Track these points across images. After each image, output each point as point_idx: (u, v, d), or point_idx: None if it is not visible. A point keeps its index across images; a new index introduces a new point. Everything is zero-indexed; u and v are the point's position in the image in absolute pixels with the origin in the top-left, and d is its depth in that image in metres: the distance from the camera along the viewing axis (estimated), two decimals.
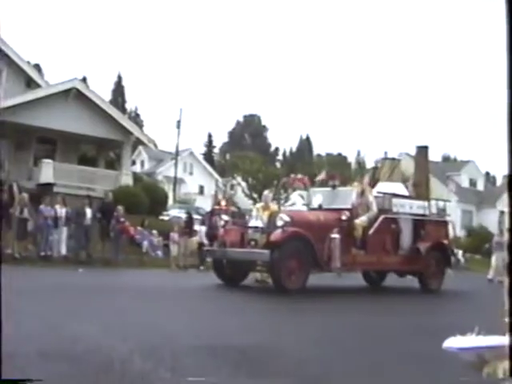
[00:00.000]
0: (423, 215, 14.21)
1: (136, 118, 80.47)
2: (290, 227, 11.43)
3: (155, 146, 36.06)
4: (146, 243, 21.01)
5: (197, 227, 21.72)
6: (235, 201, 39.84)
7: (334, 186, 13.64)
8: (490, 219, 46.99)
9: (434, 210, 14.69)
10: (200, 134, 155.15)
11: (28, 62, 30.23)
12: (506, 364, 2.70)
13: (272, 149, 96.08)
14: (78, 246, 17.76)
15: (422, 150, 16.04)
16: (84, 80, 47.18)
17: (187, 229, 20.42)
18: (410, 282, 14.56)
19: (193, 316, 8.29)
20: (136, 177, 31.01)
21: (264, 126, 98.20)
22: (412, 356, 5.84)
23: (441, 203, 15.30)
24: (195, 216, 24.56)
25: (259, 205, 13.81)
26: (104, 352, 5.08)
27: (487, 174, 74.63)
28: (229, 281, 12.57)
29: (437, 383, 4.89)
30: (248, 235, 12.07)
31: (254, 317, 8.52)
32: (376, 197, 13.30)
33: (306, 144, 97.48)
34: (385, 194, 13.65)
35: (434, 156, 62.48)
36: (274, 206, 13.52)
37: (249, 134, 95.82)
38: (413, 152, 18.91)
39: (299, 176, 14.92)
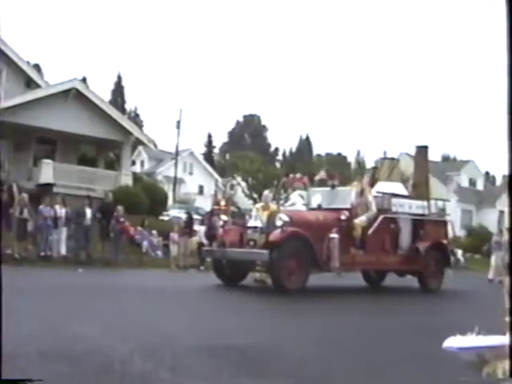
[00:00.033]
0: (422, 215, 14.22)
1: (136, 118, 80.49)
2: (289, 227, 11.44)
3: (155, 146, 36.07)
4: (145, 243, 21.02)
5: (196, 227, 21.74)
6: (235, 201, 39.81)
7: (333, 186, 13.65)
8: (489, 219, 47.01)
9: (433, 210, 14.70)
10: (200, 134, 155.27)
11: (28, 62, 30.25)
12: (505, 364, 2.71)
13: (272, 149, 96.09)
14: (78, 246, 17.76)
15: (422, 150, 16.06)
16: (84, 80, 47.18)
17: (187, 229, 20.42)
18: (409, 282, 14.58)
19: (192, 316, 8.29)
20: (136, 177, 31.00)
21: (264, 126, 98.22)
22: (412, 356, 5.85)
23: (440, 203, 15.31)
24: (195, 216, 24.58)
25: (259, 205, 13.81)
26: (104, 352, 5.09)
27: (487, 173, 74.63)
28: (228, 281, 12.58)
29: (437, 383, 4.89)
30: (247, 235, 12.08)
31: (253, 317, 8.53)
32: (375, 197, 13.32)
33: (305, 144, 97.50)
34: (384, 193, 13.66)
35: (434, 156, 62.63)
36: (273, 206, 13.53)
37: (249, 134, 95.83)
38: (412, 152, 18.93)
39: (298, 176, 14.92)
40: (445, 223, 15.09)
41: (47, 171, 24.62)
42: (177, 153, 49.56)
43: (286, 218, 11.48)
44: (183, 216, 23.61)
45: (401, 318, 9.01)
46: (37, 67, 50.17)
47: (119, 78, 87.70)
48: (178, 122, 48.94)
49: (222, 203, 23.91)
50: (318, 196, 13.50)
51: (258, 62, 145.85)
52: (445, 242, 14.58)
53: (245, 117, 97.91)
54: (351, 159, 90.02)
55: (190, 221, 21.31)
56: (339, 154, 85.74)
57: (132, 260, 18.89)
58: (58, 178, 24.40)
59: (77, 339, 5.59)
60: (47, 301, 8.73)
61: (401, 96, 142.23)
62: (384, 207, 13.36)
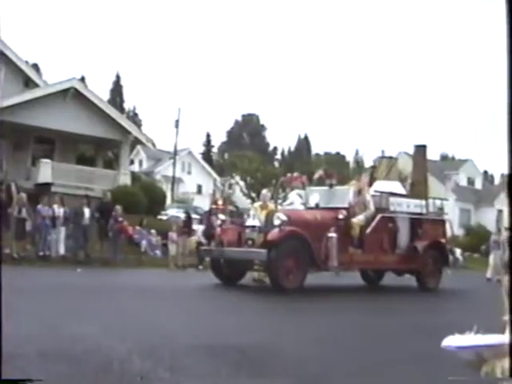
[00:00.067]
0: (421, 214, 14.23)
1: (134, 118, 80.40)
2: (287, 226, 11.44)
3: (153, 145, 35.98)
4: (144, 243, 21.02)
5: (195, 226, 21.74)
6: (233, 200, 39.81)
7: (331, 185, 13.65)
8: (488, 218, 47.06)
9: (431, 209, 14.72)
10: (198, 133, 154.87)
11: (26, 62, 30.25)
12: (504, 363, 2.71)
13: (270, 148, 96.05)
14: (77, 245, 17.76)
15: (420, 149, 16.07)
16: (82, 80, 47.25)
17: (186, 228, 20.43)
18: (407, 281, 14.59)
19: (191, 315, 8.30)
20: (134, 176, 30.99)
21: (262, 126, 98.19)
22: (410, 355, 5.87)
23: (438, 202, 15.32)
24: (194, 215, 24.57)
25: (257, 204, 13.82)
26: (103, 352, 5.10)
27: (485, 172, 74.74)
28: (226, 280, 12.58)
29: (435, 382, 4.90)
30: (245, 234, 12.09)
31: (251, 316, 8.53)
32: (373, 196, 13.33)
33: (304, 143, 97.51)
34: (382, 192, 13.67)
35: (432, 155, 62.54)
36: (271, 206, 13.53)
37: (247, 134, 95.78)
38: (411, 151, 18.94)
39: (296, 175, 14.94)
40: (443, 222, 15.11)
41: (45, 171, 24.61)
42: (175, 152, 49.52)
43: (284, 218, 11.48)
44: (182, 215, 23.62)
45: (399, 317, 9.02)
46: (35, 67, 50.09)
47: (118, 77, 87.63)
48: (177, 122, 48.92)
49: (220, 202, 23.88)
50: (315, 195, 13.50)
51: (256, 62, 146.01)
52: (443, 241, 14.59)
53: (243, 116, 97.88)
54: (350, 158, 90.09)
55: (188, 220, 21.32)
56: (338, 154, 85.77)
57: (131, 259, 18.88)
58: (56, 177, 24.39)
59: (76, 339, 5.60)
60: (46, 301, 8.74)
61: (399, 95, 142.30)
62: (382, 206, 13.37)
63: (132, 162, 49.15)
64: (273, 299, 10.89)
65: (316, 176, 14.75)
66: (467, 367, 2.86)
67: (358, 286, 14.52)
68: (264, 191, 14.71)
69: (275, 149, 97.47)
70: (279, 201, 22.80)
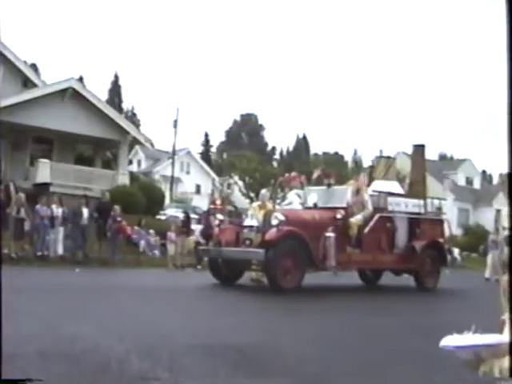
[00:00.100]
0: (419, 214, 14.23)
1: (133, 118, 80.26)
2: (285, 226, 11.45)
3: (152, 145, 35.94)
4: (142, 243, 21.04)
5: (194, 226, 21.75)
6: (232, 200, 39.85)
7: (329, 185, 13.67)
8: (486, 218, 47.12)
9: (430, 209, 14.73)
10: (197, 133, 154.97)
11: (25, 62, 30.25)
12: (502, 362, 2.73)
13: (269, 148, 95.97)
14: (75, 245, 17.77)
15: (419, 149, 16.07)
16: (81, 79, 47.20)
17: (184, 228, 20.45)
18: (405, 281, 14.61)
19: (189, 315, 8.31)
20: (133, 176, 31.02)
21: (261, 125, 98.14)
22: (409, 355, 5.88)
23: (436, 202, 15.33)
24: (192, 215, 24.58)
25: (256, 204, 13.82)
26: (102, 352, 5.11)
27: (484, 172, 74.79)
28: (224, 280, 12.58)
29: (434, 382, 4.91)
30: (243, 234, 12.09)
31: (249, 316, 8.54)
32: (371, 195, 13.33)
33: (302, 143, 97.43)
34: (380, 192, 13.68)
35: (431, 154, 62.66)
36: (270, 205, 13.54)
37: (246, 133, 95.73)
38: (409, 150, 18.95)
39: (293, 174, 14.95)
40: (441, 222, 15.12)
41: (44, 171, 24.61)
42: (174, 152, 49.50)
43: (282, 217, 11.47)
44: (180, 215, 23.62)
45: (397, 317, 9.01)
46: (34, 67, 50.05)
47: (116, 77, 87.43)
48: (175, 121, 48.88)
49: (218, 202, 23.88)
50: (313, 195, 13.51)
51: (255, 62, 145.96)
52: (441, 240, 14.60)
53: (242, 116, 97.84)
54: (348, 158, 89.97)
55: (187, 220, 21.34)
56: (336, 153, 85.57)
57: (129, 259, 18.90)
58: (54, 177, 24.39)
59: (75, 339, 5.60)
60: (44, 301, 8.74)
61: (398, 95, 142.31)
62: (380, 206, 13.37)
63: (130, 162, 49.10)
64: (271, 299, 10.88)
65: (314, 176, 14.77)
66: (465, 367, 2.87)
67: (356, 285, 14.54)
68: (263, 191, 14.71)
69: (274, 149, 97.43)
70: (278, 201, 22.78)
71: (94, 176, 26.07)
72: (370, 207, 12.94)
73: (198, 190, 60.02)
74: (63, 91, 25.25)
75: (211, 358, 5.17)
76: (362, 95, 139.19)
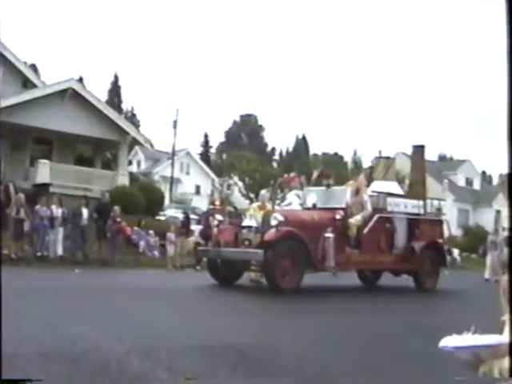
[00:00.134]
0: (418, 214, 14.24)
1: (132, 118, 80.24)
2: (284, 227, 11.44)
3: (151, 145, 35.89)
4: (142, 243, 21.03)
5: (193, 227, 21.74)
6: (232, 201, 39.79)
7: (328, 186, 13.68)
8: (486, 218, 47.13)
9: (429, 209, 14.74)
10: (196, 133, 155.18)
11: (24, 63, 30.25)
12: (502, 363, 2.73)
13: (269, 148, 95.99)
14: (75, 246, 17.77)
15: (419, 150, 16.07)
16: (80, 80, 47.18)
17: (184, 229, 20.44)
18: (405, 282, 14.61)
19: (189, 316, 8.32)
20: (132, 177, 31.01)
21: (261, 126, 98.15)
22: (408, 355, 5.89)
23: (436, 202, 15.33)
24: (192, 216, 24.57)
25: (255, 204, 13.82)
26: (101, 352, 5.12)
27: (483, 173, 74.79)
28: (223, 281, 12.56)
29: (433, 382, 4.92)
30: (242, 235, 12.06)
31: (248, 317, 8.55)
32: (371, 196, 13.34)
33: (302, 143, 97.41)
34: (379, 193, 13.68)
35: (431, 155, 62.61)
36: (269, 206, 13.54)
37: (245, 134, 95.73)
38: (409, 151, 18.96)
39: (292, 175, 14.96)
40: (440, 222, 15.11)
41: (44, 171, 24.61)
42: (173, 153, 49.48)
43: (281, 218, 11.47)
44: (180, 216, 23.61)
45: (397, 318, 9.02)
46: (33, 67, 50.07)
47: (116, 77, 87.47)
48: (175, 122, 48.87)
49: (217, 203, 23.86)
50: (312, 195, 13.51)
51: (254, 62, 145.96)
52: (440, 241, 14.61)
53: (241, 116, 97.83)
54: (348, 159, 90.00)
55: (186, 221, 21.34)
56: (336, 154, 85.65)
57: (129, 260, 18.90)
58: (54, 177, 24.39)
59: (74, 339, 5.61)
60: (44, 301, 8.75)
61: (398, 95, 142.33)
62: (379, 206, 13.37)
63: (130, 163, 49.07)
64: (269, 300, 10.87)
65: (313, 176, 14.78)
66: (465, 367, 2.88)
67: (355, 286, 14.54)
68: (263, 192, 14.71)
69: (273, 149, 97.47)
70: (278, 201, 22.78)
71: (94, 176, 26.08)
72: (369, 208, 12.94)
73: (197, 190, 60.01)
74: (63, 92, 25.26)
75: (210, 358, 5.18)
76: (362, 96, 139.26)
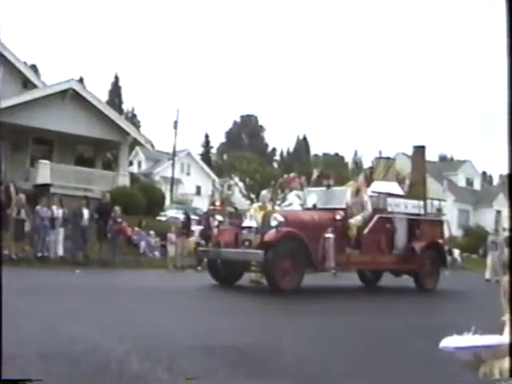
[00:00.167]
0: (418, 215, 14.24)
1: (133, 119, 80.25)
2: (284, 227, 11.43)
3: (152, 146, 35.88)
4: (143, 244, 21.04)
5: (194, 227, 21.75)
6: (232, 201, 39.78)
7: (328, 186, 13.68)
8: (486, 219, 47.13)
9: (430, 210, 14.74)
10: (197, 134, 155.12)
11: (25, 63, 30.26)
12: (502, 363, 2.73)
13: (269, 149, 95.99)
14: (75, 246, 17.78)
15: (419, 150, 16.08)
16: (81, 81, 47.25)
17: (184, 229, 20.45)
18: (405, 282, 14.61)
19: (189, 316, 8.33)
20: (133, 177, 31.00)
21: (261, 127, 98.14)
22: (408, 356, 5.90)
23: (436, 202, 15.34)
24: (193, 216, 24.58)
25: (256, 205, 13.82)
26: (102, 352, 5.12)
27: (484, 173, 74.77)
28: (223, 281, 12.56)
29: (433, 383, 4.93)
30: (242, 235, 12.07)
31: (248, 317, 8.55)
32: (371, 196, 13.34)
33: (303, 144, 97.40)
34: (379, 193, 13.68)
35: (431, 156, 62.59)
36: (269, 206, 13.53)
37: (246, 135, 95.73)
38: (410, 152, 18.97)
39: (292, 175, 14.96)
40: (441, 223, 15.11)
41: (44, 172, 24.62)
42: (174, 153, 49.48)
43: (281, 218, 11.47)
44: (181, 216, 23.61)
45: (397, 318, 9.02)
46: (34, 68, 50.11)
47: (116, 78, 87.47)
48: (176, 123, 48.88)
49: (218, 203, 23.88)
50: (313, 196, 13.52)
51: (255, 63, 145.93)
52: (441, 241, 14.60)
53: (242, 117, 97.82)
54: (348, 159, 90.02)
55: (187, 221, 21.35)
56: (336, 154, 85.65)
57: (129, 260, 18.90)
58: (55, 178, 24.40)
59: (75, 340, 5.62)
60: (45, 302, 8.77)
61: (398, 96, 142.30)
62: (379, 207, 13.37)
63: (131, 163, 49.10)
64: (270, 300, 10.86)
65: (313, 177, 14.78)
66: (465, 368, 2.88)
67: (355, 286, 14.54)
68: (263, 192, 14.69)
69: (274, 150, 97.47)
70: (278, 202, 22.78)
71: (95, 177, 26.08)
72: (369, 208, 12.94)
73: (198, 191, 60.02)
74: (63, 92, 25.27)
75: (211, 358, 5.19)
76: (363, 96, 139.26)
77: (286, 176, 15.06)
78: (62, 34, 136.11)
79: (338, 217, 12.29)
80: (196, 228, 21.55)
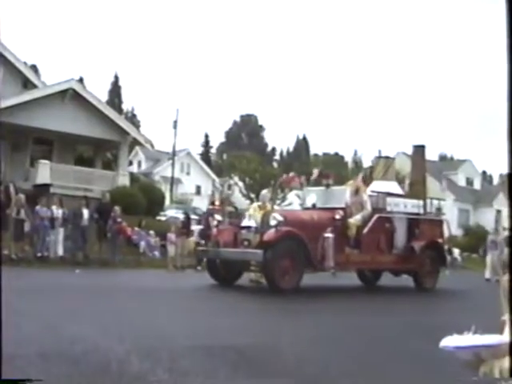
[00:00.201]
0: (418, 214, 14.24)
1: (133, 119, 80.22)
2: (284, 227, 11.43)
3: (152, 146, 35.87)
4: (143, 244, 21.04)
5: (194, 227, 21.75)
6: (232, 201, 39.77)
7: (327, 185, 13.67)
8: (486, 218, 47.14)
9: (430, 209, 14.74)
10: (197, 134, 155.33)
11: (25, 63, 30.26)
12: (502, 363, 2.72)
13: (269, 149, 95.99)
14: (75, 246, 17.79)
15: (419, 149, 16.08)
16: (81, 80, 47.23)
17: (184, 229, 20.44)
18: (405, 281, 14.61)
19: (189, 316, 8.33)
20: (133, 177, 31.00)
21: (261, 126, 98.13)
22: (408, 355, 5.90)
23: (436, 202, 15.34)
24: (192, 216, 24.57)
25: (256, 204, 13.81)
26: (102, 352, 5.13)
27: (484, 173, 74.79)
28: (222, 281, 12.56)
29: (433, 382, 4.93)
30: (241, 235, 12.07)
31: (248, 317, 8.55)
32: (370, 196, 13.33)
33: (302, 144, 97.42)
34: (379, 192, 13.68)
35: (431, 155, 62.60)
36: (269, 206, 13.53)
37: (246, 134, 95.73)
38: (410, 151, 18.97)
39: (291, 174, 14.96)
40: (440, 222, 15.11)
41: (44, 172, 24.62)
42: (174, 153, 49.49)
43: (280, 218, 11.46)
44: (180, 216, 23.59)
45: (396, 318, 9.01)
46: (34, 68, 50.10)
47: (116, 78, 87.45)
48: (175, 122, 48.88)
49: (217, 203, 23.87)
50: (312, 195, 13.52)
51: (255, 62, 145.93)
52: (440, 241, 14.60)
53: (242, 117, 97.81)
54: (348, 159, 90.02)
55: (187, 221, 21.35)
56: (336, 154, 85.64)
57: (129, 260, 18.90)
58: (54, 178, 24.40)
59: (75, 340, 5.62)
60: (45, 302, 8.77)
61: (398, 95, 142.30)
62: (379, 206, 13.37)
63: (131, 163, 49.08)
64: (269, 300, 10.86)
65: (313, 176, 14.77)
66: (465, 367, 2.88)
67: (354, 286, 14.54)
68: (264, 191, 14.67)
69: (274, 149, 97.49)
70: (278, 201, 22.76)
71: (95, 177, 26.08)
72: (368, 207, 12.94)
73: (198, 190, 60.01)
74: (63, 92, 25.28)
75: (211, 358, 5.19)
76: (362, 96, 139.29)
77: (285, 176, 15.04)
78: (61, 33, 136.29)
79: (337, 216, 12.29)
80: (196, 228, 21.54)
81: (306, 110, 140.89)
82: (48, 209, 17.50)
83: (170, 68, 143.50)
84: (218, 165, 76.11)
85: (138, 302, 9.49)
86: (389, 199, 13.64)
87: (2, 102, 21.15)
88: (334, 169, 38.40)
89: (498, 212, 46.33)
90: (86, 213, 18.02)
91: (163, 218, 27.28)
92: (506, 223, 29.89)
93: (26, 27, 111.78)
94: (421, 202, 14.43)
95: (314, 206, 13.14)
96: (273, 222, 11.41)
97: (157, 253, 21.25)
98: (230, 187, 51.28)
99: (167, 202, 36.07)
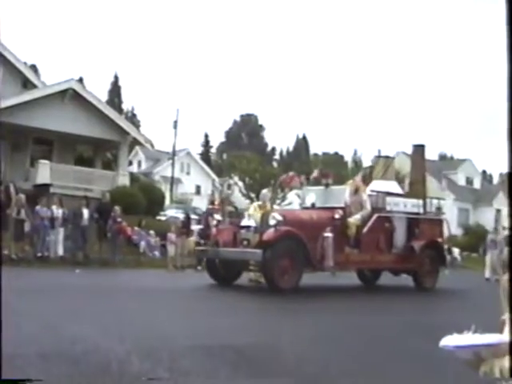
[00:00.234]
0: (417, 214, 14.24)
1: (133, 118, 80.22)
2: (283, 226, 11.43)
3: (152, 146, 35.87)
4: (143, 243, 21.05)
5: (193, 227, 21.75)
6: (232, 200, 39.76)
7: (327, 185, 13.67)
8: (486, 217, 47.12)
9: (429, 209, 14.74)
10: (197, 133, 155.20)
11: (24, 63, 30.26)
12: (502, 362, 2.72)
13: (269, 148, 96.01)
14: (75, 246, 17.80)
15: (419, 149, 16.07)
16: (80, 80, 47.22)
17: (184, 229, 20.45)
18: (404, 281, 14.62)
19: (189, 316, 8.34)
20: (133, 177, 31.00)
21: (261, 126, 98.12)
22: (408, 355, 5.91)
23: (435, 201, 15.34)
24: (192, 216, 24.57)
25: (256, 204, 13.81)
26: (102, 352, 5.13)
27: (484, 172, 74.80)
28: (222, 281, 12.55)
29: (433, 382, 4.94)
30: (241, 235, 12.06)
31: (247, 317, 8.56)
32: (370, 195, 13.33)
33: (302, 143, 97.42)
34: (378, 192, 13.68)
35: (431, 154, 62.63)
36: (268, 206, 13.53)
37: (246, 134, 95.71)
38: (409, 150, 18.97)
39: (291, 174, 14.96)
40: (440, 222, 15.10)
41: (44, 172, 24.62)
42: (174, 153, 49.49)
43: (280, 218, 11.46)
44: (180, 216, 23.59)
45: (396, 317, 9.00)
46: (33, 68, 50.09)
47: (116, 78, 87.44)
48: (175, 122, 48.88)
49: (216, 203, 23.88)
50: (311, 195, 13.52)
51: (255, 62, 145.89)
52: (440, 240, 14.59)
53: (242, 116, 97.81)
54: (348, 158, 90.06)
55: (187, 221, 21.35)
56: (336, 154, 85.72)
57: (129, 260, 18.91)
58: (54, 178, 24.40)
59: (75, 340, 5.62)
60: (45, 301, 8.77)
61: (398, 95, 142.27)
62: (378, 206, 13.36)
63: (131, 163, 49.08)
64: (269, 299, 10.86)
65: (312, 176, 14.77)
66: (465, 367, 2.88)
67: (354, 285, 14.54)
68: (264, 191, 14.67)
69: (274, 149, 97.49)
70: (278, 201, 22.75)
71: (95, 177, 26.08)
72: (368, 207, 12.94)
73: (198, 190, 59.99)
74: (63, 92, 25.27)
75: (210, 358, 5.20)
76: (362, 95, 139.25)
77: (285, 175, 15.04)
78: (61, 34, 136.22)
79: (336, 216, 12.29)
80: (196, 228, 21.54)
81: (306, 110, 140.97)
82: (48, 209, 17.51)
83: (169, 68, 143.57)
84: (218, 165, 76.11)
85: (138, 301, 9.49)
86: (388, 199, 13.63)
87: (2, 101, 21.16)
88: (334, 168, 38.41)
89: (498, 211, 46.33)
90: (86, 213, 18.03)
91: (163, 218, 27.27)
92: (505, 222, 29.86)
93: (26, 27, 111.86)
94: (420, 202, 14.42)
95: (313, 206, 13.14)
96: (272, 222, 11.41)
97: (157, 253, 21.25)
98: (229, 187, 51.23)
99: (167, 201, 36.06)
